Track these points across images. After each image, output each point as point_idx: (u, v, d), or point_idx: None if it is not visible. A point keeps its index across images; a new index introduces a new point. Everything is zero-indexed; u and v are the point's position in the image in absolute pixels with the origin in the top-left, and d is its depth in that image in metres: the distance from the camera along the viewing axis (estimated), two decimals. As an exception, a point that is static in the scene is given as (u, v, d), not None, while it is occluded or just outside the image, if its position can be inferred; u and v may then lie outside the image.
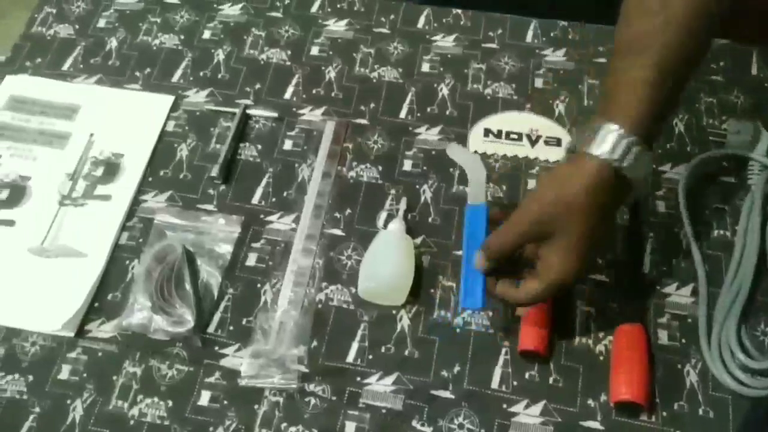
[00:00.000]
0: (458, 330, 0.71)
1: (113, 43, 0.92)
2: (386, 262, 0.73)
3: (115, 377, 0.69)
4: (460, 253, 0.75)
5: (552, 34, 0.92)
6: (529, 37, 0.92)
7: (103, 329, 0.72)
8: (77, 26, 0.94)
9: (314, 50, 0.91)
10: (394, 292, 0.72)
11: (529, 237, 0.64)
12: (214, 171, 0.80)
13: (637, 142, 0.61)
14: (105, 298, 0.74)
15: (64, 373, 0.70)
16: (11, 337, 0.72)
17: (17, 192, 0.80)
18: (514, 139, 0.83)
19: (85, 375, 0.69)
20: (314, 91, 0.88)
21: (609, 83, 0.65)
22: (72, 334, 0.71)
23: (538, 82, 0.88)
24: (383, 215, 0.78)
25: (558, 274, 0.63)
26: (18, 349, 0.71)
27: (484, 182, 0.73)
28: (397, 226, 0.76)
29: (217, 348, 0.71)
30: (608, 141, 0.61)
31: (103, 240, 0.77)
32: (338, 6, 0.95)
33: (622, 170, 0.61)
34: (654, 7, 0.63)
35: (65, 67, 0.90)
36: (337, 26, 0.93)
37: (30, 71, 0.90)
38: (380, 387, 0.68)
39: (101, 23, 0.94)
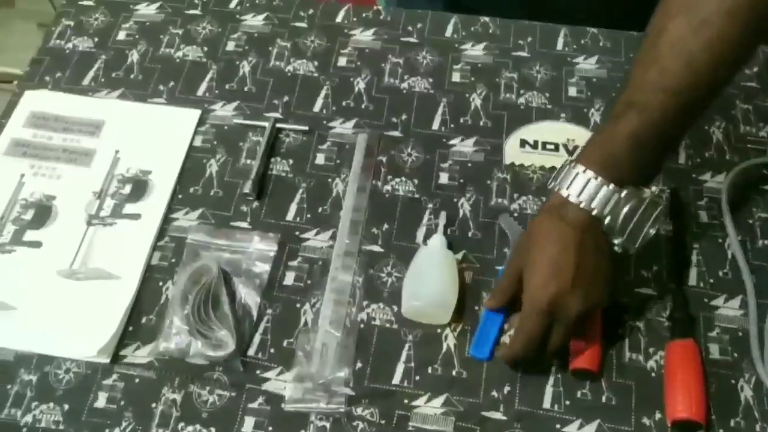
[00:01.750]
0: (507, 348, 0.70)
1: (134, 56, 0.90)
2: (430, 280, 0.71)
3: (154, 404, 0.67)
4: (500, 267, 0.73)
5: (582, 42, 0.91)
6: (559, 45, 0.91)
7: (139, 354, 0.70)
8: (96, 39, 0.91)
9: (342, 61, 0.89)
10: (440, 311, 0.70)
11: (514, 276, 0.67)
12: (247, 187, 0.78)
13: (603, 182, 0.63)
14: (139, 322, 0.71)
15: (101, 401, 0.67)
16: (43, 365, 0.69)
17: (43, 212, 0.77)
18: (550, 150, 0.82)
19: (122, 403, 0.67)
20: (344, 103, 0.86)
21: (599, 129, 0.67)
22: (107, 360, 0.69)
23: (572, 91, 0.86)
24: (422, 230, 0.76)
25: (526, 301, 0.65)
26: (52, 377, 0.68)
27: None
28: (438, 241, 0.74)
29: (258, 372, 0.69)
30: (575, 181, 0.63)
31: (134, 261, 0.74)
32: (363, 15, 0.93)
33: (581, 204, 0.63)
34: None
35: (86, 81, 0.88)
36: (363, 36, 0.91)
37: (50, 86, 0.87)
38: (429, 409, 0.67)
39: (121, 36, 0.92)
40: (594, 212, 0.63)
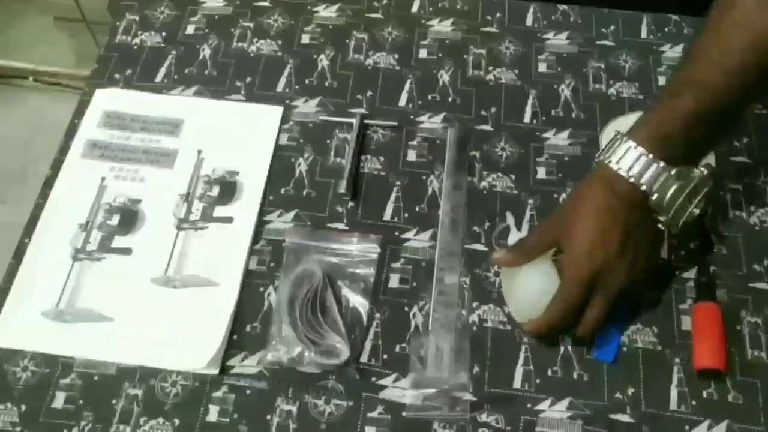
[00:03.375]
0: (625, 348, 0.68)
1: (206, 50, 0.86)
2: (529, 281, 0.68)
3: (269, 416, 0.64)
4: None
5: (666, 29, 0.88)
6: (644, 33, 0.88)
7: (248, 364, 0.67)
8: (164, 34, 0.88)
9: (423, 53, 0.86)
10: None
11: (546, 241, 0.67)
12: (342, 187, 0.75)
13: (654, 159, 0.62)
14: (243, 330, 0.68)
15: (212, 414, 0.64)
16: (148, 378, 0.66)
17: (129, 217, 0.74)
18: (647, 142, 0.80)
19: (235, 416, 0.64)
20: (429, 97, 0.83)
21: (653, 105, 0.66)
22: (216, 372, 0.66)
23: (662, 80, 0.84)
24: (525, 227, 0.74)
25: (569, 268, 0.65)
26: (158, 391, 0.65)
27: None
28: None
29: (374, 379, 0.66)
30: (626, 156, 0.63)
31: (232, 266, 0.71)
32: (439, 5, 0.90)
33: (630, 178, 0.62)
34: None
35: (158, 78, 0.84)
36: (442, 26, 0.88)
37: (120, 84, 0.83)
38: (555, 413, 0.65)
39: (190, 30, 0.88)
40: (643, 188, 0.62)
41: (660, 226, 0.65)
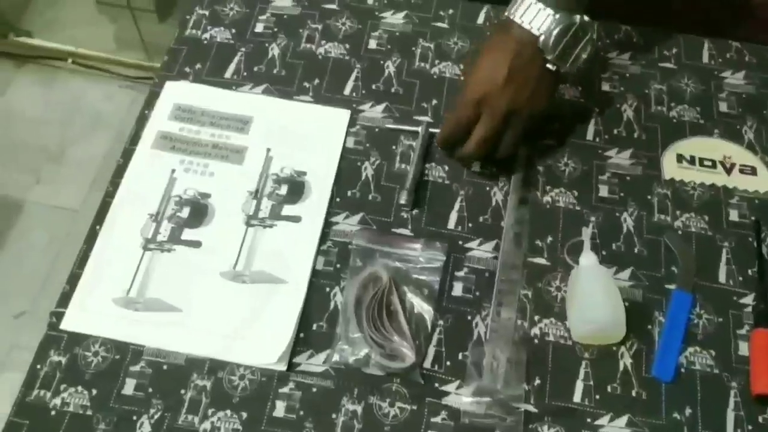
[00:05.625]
0: (683, 370, 0.69)
1: (275, 50, 0.87)
2: (597, 301, 0.69)
3: (334, 415, 0.66)
4: (672, 287, 0.73)
5: (728, 56, 0.90)
6: (705, 58, 0.89)
7: (314, 362, 0.68)
8: (234, 30, 0.89)
9: (488, 65, 0.87)
10: (613, 330, 0.69)
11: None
12: (403, 198, 0.76)
13: (544, 8, 0.73)
14: (310, 329, 0.70)
15: (279, 410, 0.66)
16: (216, 370, 0.68)
17: (199, 210, 0.76)
18: (707, 166, 0.81)
19: (301, 413, 0.66)
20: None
21: None
22: (284, 368, 0.67)
23: (723, 106, 0.85)
24: (588, 244, 0.75)
25: (463, 91, 0.76)
26: (226, 383, 0.67)
27: (693, 272, 0.73)
28: (592, 259, 0.72)
29: (437, 385, 0.68)
30: (528, 11, 0.74)
31: (300, 265, 0.72)
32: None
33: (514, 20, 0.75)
34: None
35: (227, 74, 0.85)
36: (507, 39, 0.89)
37: (190, 78, 0.85)
38: (614, 430, 0.66)
39: (259, 28, 0.89)
40: (532, 30, 0.74)
41: (549, 66, 0.75)
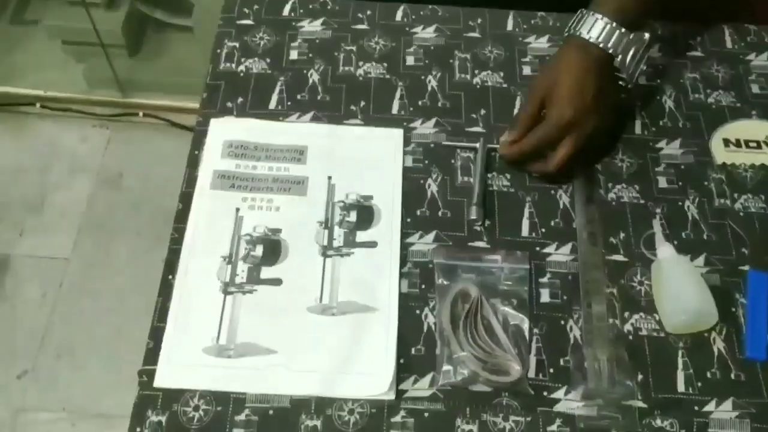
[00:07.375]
0: (776, 347, 0.71)
1: (314, 76, 0.86)
2: (686, 291, 0.71)
3: (452, 438, 0.65)
4: (746, 268, 0.75)
5: (749, 39, 0.93)
6: (728, 44, 0.92)
7: (419, 387, 0.67)
8: (268, 60, 0.87)
9: (526, 70, 0.88)
10: (706, 318, 0.71)
11: (537, 105, 0.77)
12: (473, 213, 0.76)
13: (616, 27, 0.76)
14: (409, 354, 0.69)
15: (395, 439, 0.65)
16: (324, 408, 0.66)
17: (273, 247, 0.74)
18: (753, 148, 0.83)
19: (419, 439, 0.65)
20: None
21: None
22: (393, 397, 0.66)
23: (755, 88, 0.88)
24: (659, 236, 0.76)
25: (552, 112, 0.76)
26: (337, 420, 0.65)
27: (763, 251, 0.76)
28: (669, 250, 0.74)
29: (545, 393, 0.68)
30: (594, 27, 0.76)
31: (386, 290, 0.72)
32: (532, 22, 0.93)
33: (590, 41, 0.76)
34: None
35: (272, 105, 0.84)
36: (538, 44, 0.91)
37: (234, 113, 0.83)
38: (723, 414, 0.67)
39: (293, 55, 0.88)
40: (610, 51, 0.76)
41: (621, 82, 0.79)
